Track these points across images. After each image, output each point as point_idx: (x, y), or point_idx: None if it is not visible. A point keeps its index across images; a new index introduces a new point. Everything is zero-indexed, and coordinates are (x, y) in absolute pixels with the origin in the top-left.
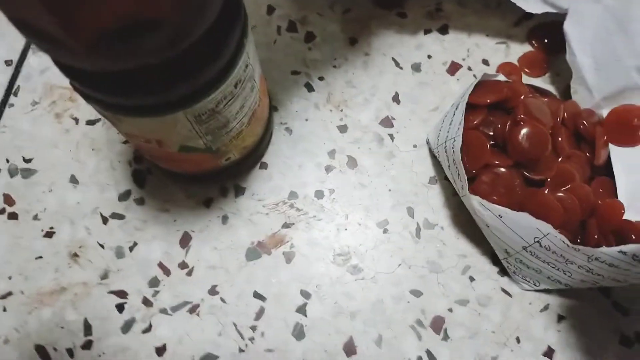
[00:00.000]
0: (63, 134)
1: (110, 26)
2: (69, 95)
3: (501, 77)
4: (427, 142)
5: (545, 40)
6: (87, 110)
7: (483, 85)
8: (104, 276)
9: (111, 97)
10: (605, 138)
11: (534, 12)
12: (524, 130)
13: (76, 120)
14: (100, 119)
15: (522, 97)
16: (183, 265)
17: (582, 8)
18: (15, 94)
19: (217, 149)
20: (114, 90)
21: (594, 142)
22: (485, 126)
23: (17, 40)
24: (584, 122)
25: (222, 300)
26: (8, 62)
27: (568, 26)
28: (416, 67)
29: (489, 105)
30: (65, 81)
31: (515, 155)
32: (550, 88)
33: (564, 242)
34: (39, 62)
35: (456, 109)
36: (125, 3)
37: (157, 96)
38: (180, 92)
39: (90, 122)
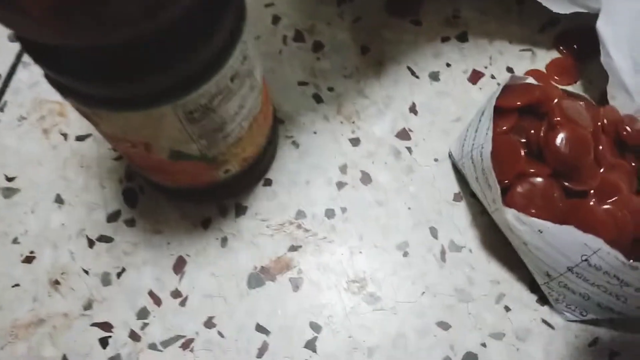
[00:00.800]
0: (50, 150)
1: None
2: (58, 110)
3: (531, 80)
4: (450, 156)
5: (574, 46)
6: (77, 125)
7: (511, 88)
8: (88, 306)
9: (87, 86)
10: None
11: (561, 12)
12: (562, 134)
13: (65, 135)
14: (90, 134)
15: (557, 99)
16: (176, 293)
17: (616, 5)
18: (2, 110)
19: (213, 157)
20: (88, 76)
21: (638, 150)
22: (516, 133)
23: (7, 53)
24: (627, 128)
25: (220, 334)
26: None
27: (601, 25)
28: (434, 76)
29: (520, 110)
30: (55, 95)
31: (554, 162)
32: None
33: (618, 259)
34: (29, 76)
35: (482, 114)
36: None
37: (140, 84)
38: (166, 79)
39: (80, 138)
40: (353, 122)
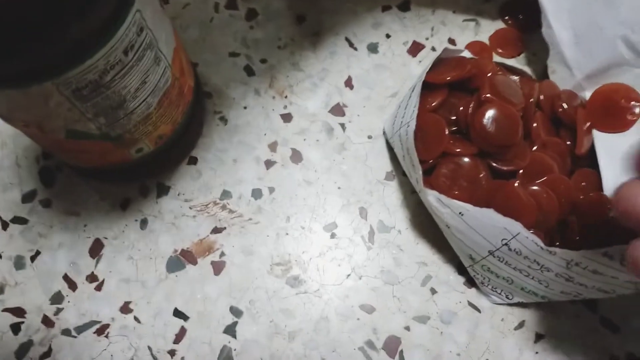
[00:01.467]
0: None
1: None
2: None
3: (467, 54)
4: (384, 133)
5: (520, 17)
6: None
7: (444, 62)
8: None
9: None
10: (588, 123)
11: None
12: (489, 112)
13: None
14: None
15: (489, 74)
16: (92, 277)
17: None
18: None
19: (118, 135)
20: None
21: (575, 128)
22: (446, 109)
23: None
24: (564, 104)
25: (136, 319)
26: None
27: None
28: (373, 48)
29: (450, 85)
30: None
31: (480, 141)
32: (527, 70)
33: (536, 244)
34: None
35: (412, 90)
36: None
37: (10, 60)
38: (40, 55)
39: None
40: (286, 97)
